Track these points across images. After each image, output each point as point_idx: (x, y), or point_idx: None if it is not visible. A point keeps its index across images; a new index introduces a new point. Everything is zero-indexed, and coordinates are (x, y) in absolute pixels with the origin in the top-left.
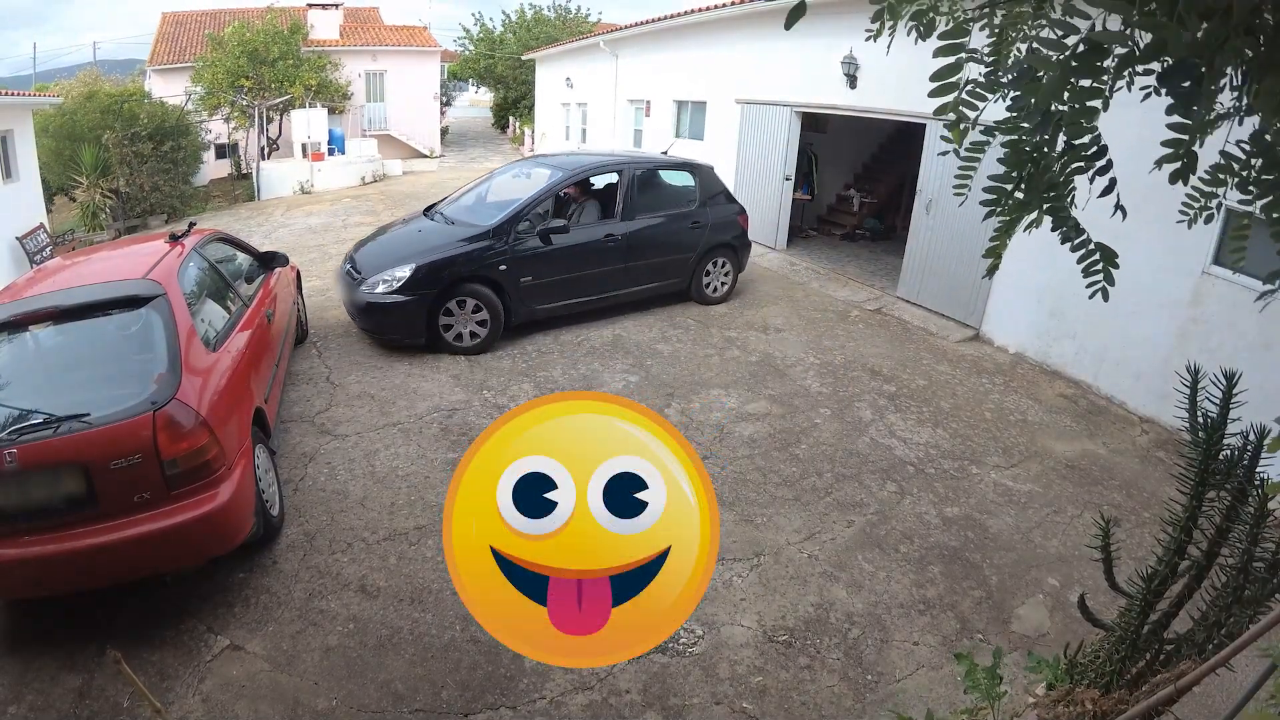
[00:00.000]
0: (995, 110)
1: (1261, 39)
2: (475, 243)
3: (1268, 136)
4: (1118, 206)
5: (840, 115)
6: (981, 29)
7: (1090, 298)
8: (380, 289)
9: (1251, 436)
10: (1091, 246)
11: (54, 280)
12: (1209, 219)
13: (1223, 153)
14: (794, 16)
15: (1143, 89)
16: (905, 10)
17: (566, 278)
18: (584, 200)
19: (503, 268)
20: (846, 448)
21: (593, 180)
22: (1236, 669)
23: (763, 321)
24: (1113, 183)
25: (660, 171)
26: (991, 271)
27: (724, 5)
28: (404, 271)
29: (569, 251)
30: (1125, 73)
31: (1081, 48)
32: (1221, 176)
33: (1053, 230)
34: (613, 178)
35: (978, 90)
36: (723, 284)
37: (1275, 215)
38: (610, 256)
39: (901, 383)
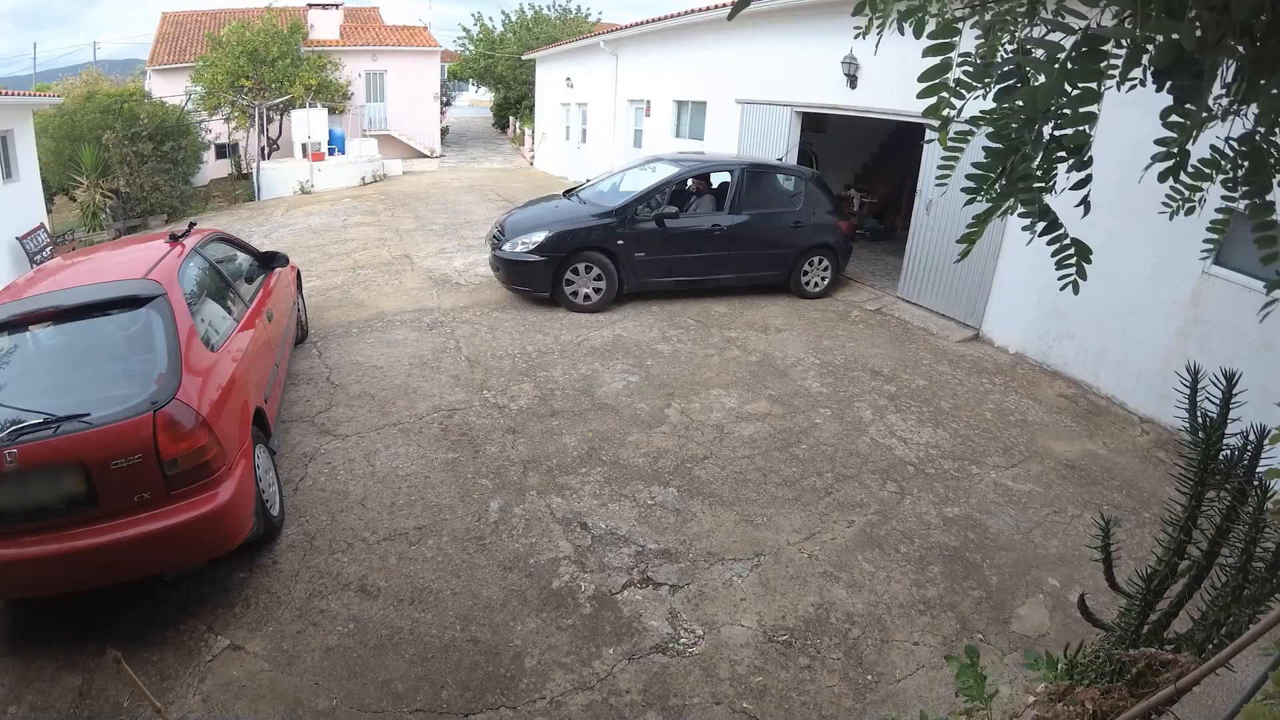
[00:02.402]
0: (981, 100)
1: (1257, 38)
2: (602, 219)
3: (1258, 139)
4: (1084, 201)
5: (840, 115)
6: (972, 27)
7: (1061, 289)
8: (519, 248)
9: (1251, 436)
10: (1067, 241)
11: (54, 280)
12: (1189, 212)
13: (1212, 148)
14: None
15: (1125, 80)
16: (891, 7)
17: (674, 257)
18: (702, 193)
19: (620, 242)
20: (846, 448)
21: (710, 177)
22: (1236, 669)
23: (763, 321)
24: (1088, 178)
25: (770, 174)
26: (963, 256)
27: (724, 5)
28: (539, 236)
29: (679, 235)
30: (1132, 73)
31: (1079, 48)
32: (1207, 171)
33: (1023, 216)
34: (726, 176)
35: (964, 80)
36: (821, 280)
37: (1261, 218)
38: (715, 244)
39: (901, 383)
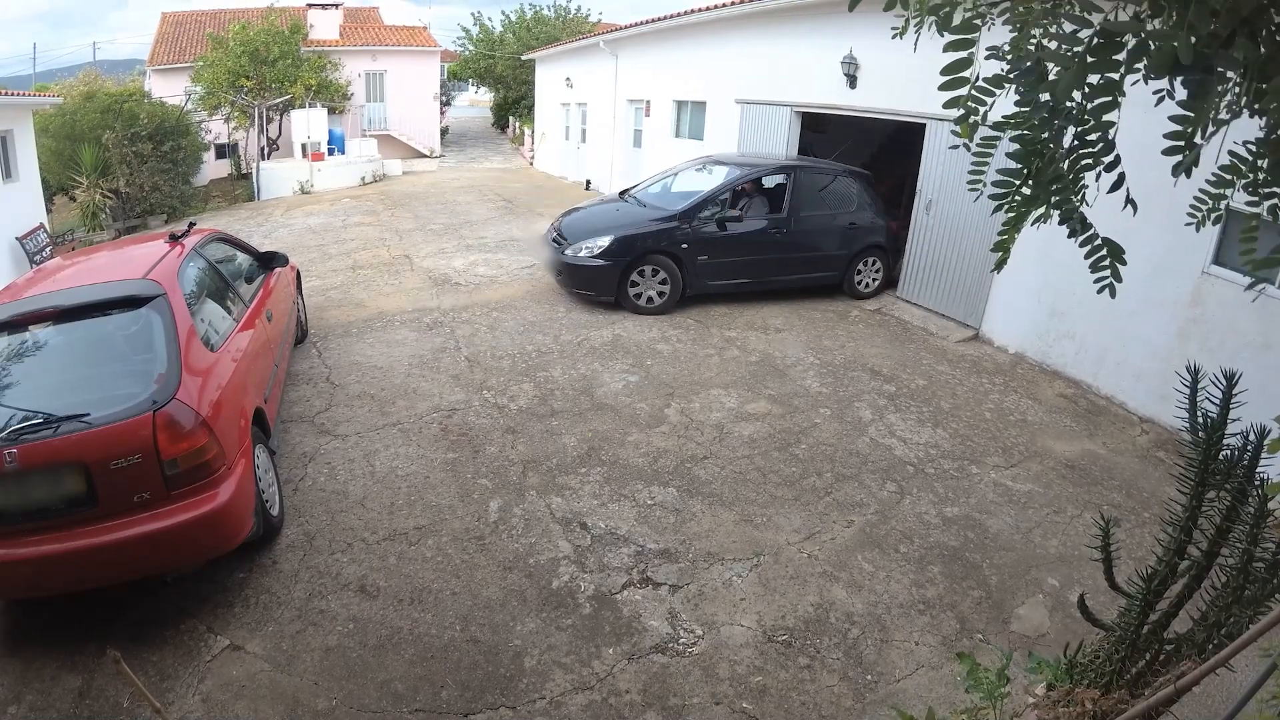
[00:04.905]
0: (1005, 104)
1: (1262, 39)
2: (665, 223)
3: (1275, 136)
4: (1128, 200)
5: (840, 115)
6: (1005, 24)
7: (1099, 292)
8: (583, 253)
9: (1251, 436)
10: (1099, 242)
11: (54, 280)
12: (1218, 220)
13: (1231, 153)
14: None
15: (1155, 92)
16: (926, 3)
17: (736, 260)
18: (756, 195)
19: (684, 246)
20: (846, 448)
21: (764, 180)
22: (1236, 669)
23: (762, 321)
24: (1121, 178)
25: (824, 175)
26: (1000, 265)
27: (724, 5)
28: (605, 240)
29: (740, 238)
30: (1135, 67)
31: (1095, 42)
32: (1229, 178)
33: (1060, 224)
34: (780, 178)
35: (986, 84)
36: (873, 280)
37: None
38: (776, 247)
39: (901, 383)
